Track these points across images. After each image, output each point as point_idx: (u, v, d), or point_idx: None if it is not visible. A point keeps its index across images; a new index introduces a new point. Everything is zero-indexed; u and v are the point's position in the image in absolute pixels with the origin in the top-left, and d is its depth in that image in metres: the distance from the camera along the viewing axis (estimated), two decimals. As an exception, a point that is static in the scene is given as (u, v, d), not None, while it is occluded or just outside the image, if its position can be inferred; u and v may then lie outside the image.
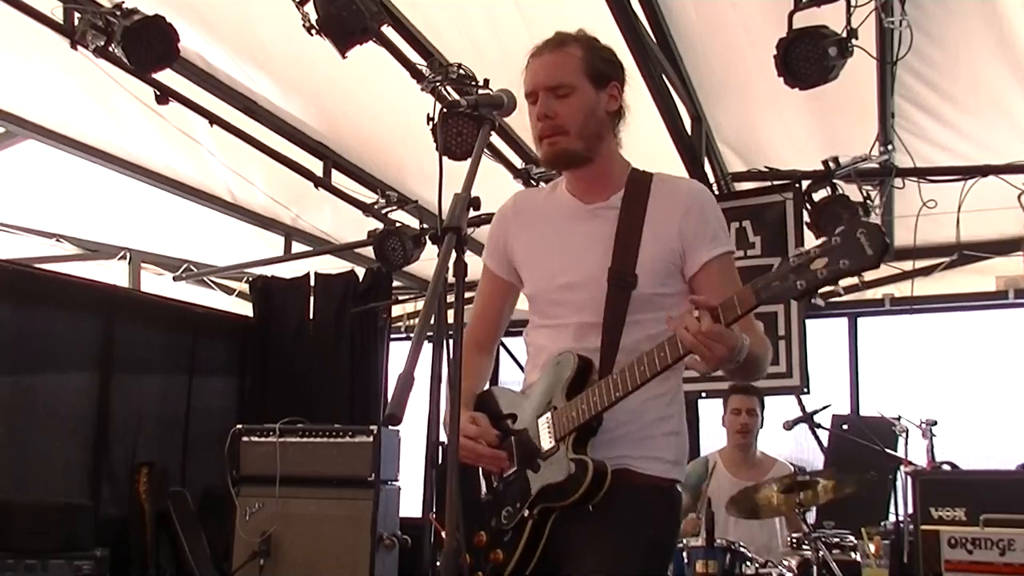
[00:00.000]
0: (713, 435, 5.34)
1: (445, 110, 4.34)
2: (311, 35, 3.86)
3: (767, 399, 5.04)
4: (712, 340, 1.91)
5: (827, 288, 1.84)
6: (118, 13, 3.98)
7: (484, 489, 2.28)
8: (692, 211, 2.21)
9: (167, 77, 4.50)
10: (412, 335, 1.68)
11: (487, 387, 2.40)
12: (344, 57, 3.90)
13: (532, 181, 5.29)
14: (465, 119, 4.30)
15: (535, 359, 2.33)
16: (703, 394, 4.94)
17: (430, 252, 5.99)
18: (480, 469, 2.29)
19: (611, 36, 4.01)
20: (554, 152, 2.22)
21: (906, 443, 4.40)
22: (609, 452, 2.14)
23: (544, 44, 2.27)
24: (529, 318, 2.40)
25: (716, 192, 5.34)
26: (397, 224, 5.97)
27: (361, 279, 6.89)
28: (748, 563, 3.95)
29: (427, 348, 1.76)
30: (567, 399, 2.15)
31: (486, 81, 4.20)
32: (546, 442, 2.17)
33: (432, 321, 1.73)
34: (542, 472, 2.16)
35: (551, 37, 2.28)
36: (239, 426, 5.68)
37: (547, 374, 2.24)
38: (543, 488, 2.14)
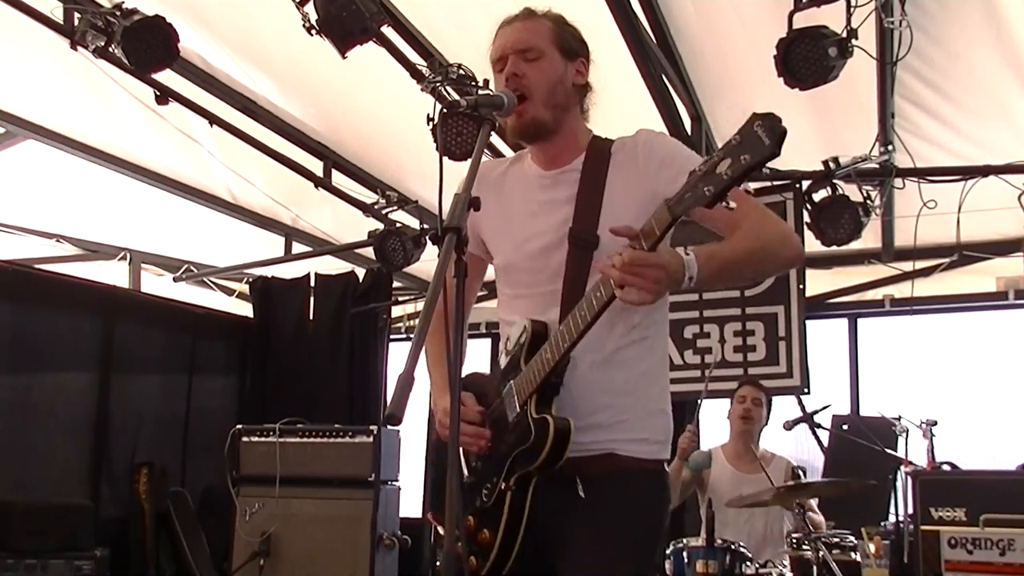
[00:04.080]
0: (713, 436, 5.33)
1: (445, 110, 4.34)
2: (311, 35, 3.86)
3: (768, 399, 5.04)
4: (638, 266, 1.84)
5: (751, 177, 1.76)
6: (118, 13, 3.98)
7: (466, 472, 2.23)
8: (654, 155, 2.17)
9: (167, 77, 4.50)
10: (412, 335, 1.68)
11: (470, 373, 2.36)
12: (344, 57, 3.89)
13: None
14: (465, 119, 4.31)
15: (504, 331, 2.31)
16: (704, 395, 4.92)
17: (430, 252, 5.99)
18: (461, 453, 2.25)
19: (611, 36, 4.01)
20: (523, 122, 2.20)
21: (906, 443, 4.40)
22: (596, 436, 2.11)
23: (514, 15, 2.29)
24: (498, 290, 2.38)
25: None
26: (397, 224, 5.97)
27: (361, 279, 6.89)
28: (748, 563, 3.95)
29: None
30: (526, 364, 2.13)
31: (486, 81, 4.19)
32: (512, 411, 2.13)
33: (432, 321, 1.72)
34: (511, 440, 2.11)
35: (521, 10, 2.29)
36: (239, 426, 5.68)
37: (511, 347, 2.22)
38: (514, 456, 2.10)
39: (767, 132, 1.74)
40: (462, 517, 2.16)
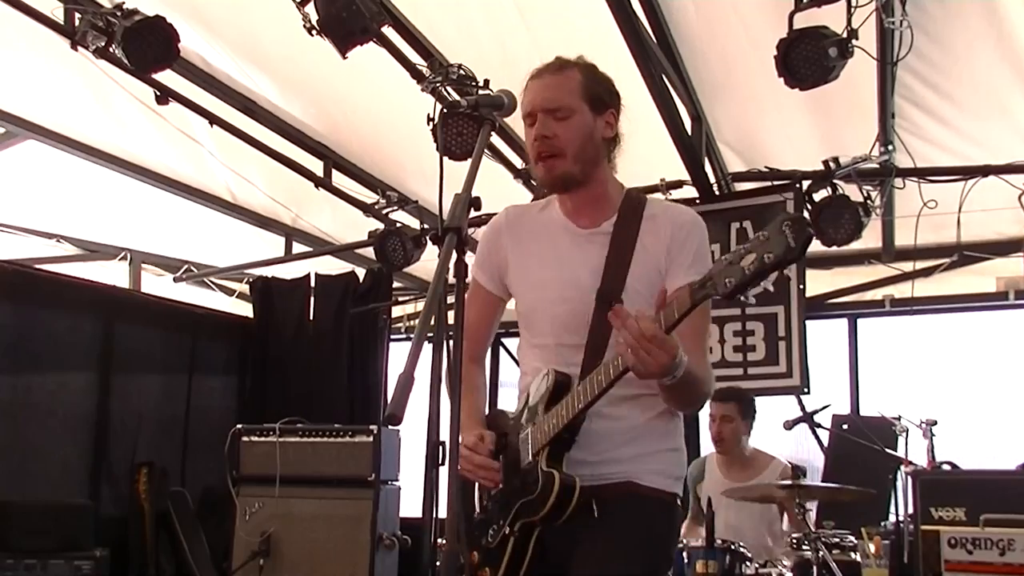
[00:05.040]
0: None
1: (445, 110, 4.34)
2: (311, 35, 3.86)
3: (767, 399, 5.03)
4: (651, 344, 1.89)
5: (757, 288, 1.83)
6: (118, 13, 3.98)
7: (477, 508, 2.32)
8: (677, 236, 2.23)
9: (167, 77, 4.50)
10: (412, 336, 1.68)
11: (496, 409, 2.43)
12: (344, 57, 3.90)
13: (532, 182, 5.29)
14: (465, 119, 4.31)
15: (524, 378, 2.37)
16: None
17: (431, 252, 5.99)
18: (476, 487, 2.33)
19: (612, 36, 4.02)
20: (552, 176, 2.24)
21: (906, 443, 4.40)
22: (614, 468, 2.18)
23: (544, 67, 2.28)
24: (520, 338, 2.43)
25: (716, 192, 5.34)
26: (397, 224, 5.97)
27: (361, 279, 6.89)
28: (748, 563, 3.96)
29: (427, 348, 1.76)
30: (545, 413, 2.18)
31: (486, 81, 4.20)
32: (524, 458, 2.20)
33: (432, 322, 1.73)
34: (519, 487, 2.19)
35: (551, 61, 2.29)
36: (239, 426, 5.67)
37: (532, 393, 2.27)
38: (520, 504, 2.17)
39: (794, 234, 1.76)
40: (469, 549, 2.26)
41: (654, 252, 2.23)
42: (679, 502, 2.29)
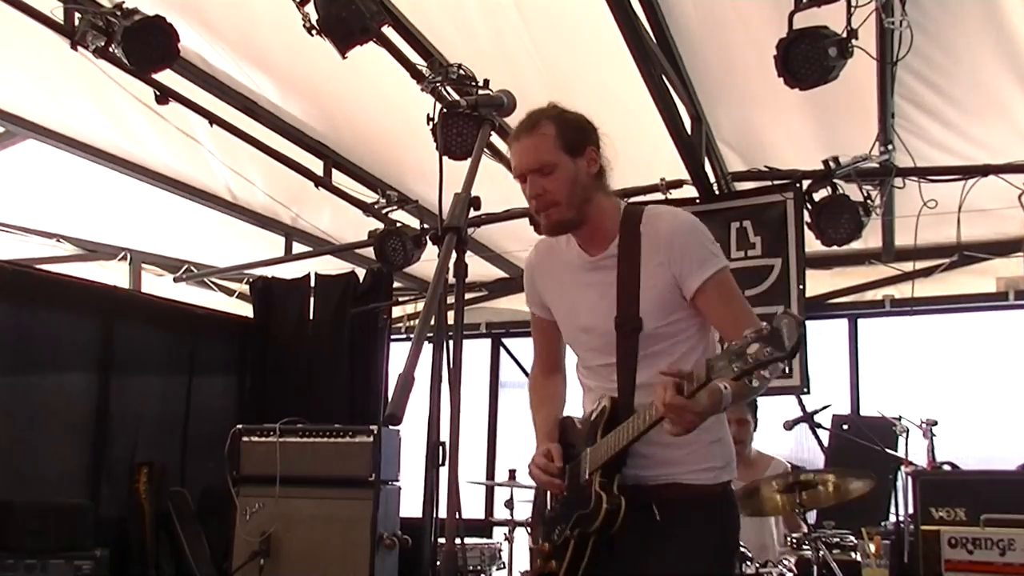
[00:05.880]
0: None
1: (445, 110, 4.34)
2: (311, 35, 3.86)
3: (767, 399, 5.03)
4: (675, 412, 2.13)
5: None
6: (118, 13, 3.98)
7: (549, 506, 2.60)
8: (675, 244, 2.39)
9: (167, 77, 4.50)
10: (412, 336, 1.69)
11: (568, 416, 2.67)
12: (344, 57, 3.89)
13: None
14: (465, 119, 4.30)
15: (584, 395, 2.62)
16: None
17: (430, 252, 5.99)
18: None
19: (611, 35, 4.01)
20: (551, 224, 2.45)
21: (906, 443, 4.40)
22: (661, 470, 2.39)
23: (518, 128, 2.44)
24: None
25: (716, 192, 5.34)
26: (397, 224, 5.97)
27: (361, 280, 6.89)
28: (748, 563, 3.96)
29: (427, 348, 1.76)
30: (602, 437, 2.42)
31: (486, 81, 4.20)
32: (583, 474, 2.44)
33: (432, 321, 1.73)
34: (578, 500, 2.42)
35: (523, 120, 2.44)
36: (239, 426, 5.67)
37: (593, 413, 2.49)
38: (577, 516, 2.41)
39: (788, 334, 1.94)
40: (542, 539, 2.57)
41: (660, 267, 2.39)
42: (731, 486, 2.49)
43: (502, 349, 7.67)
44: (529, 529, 1.84)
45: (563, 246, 2.57)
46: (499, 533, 5.85)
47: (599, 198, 2.46)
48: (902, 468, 4.30)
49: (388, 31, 4.10)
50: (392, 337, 7.04)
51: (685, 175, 5.16)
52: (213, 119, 4.94)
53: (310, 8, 3.83)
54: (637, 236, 2.42)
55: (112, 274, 6.78)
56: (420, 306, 6.48)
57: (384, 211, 5.88)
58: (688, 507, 2.37)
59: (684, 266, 2.37)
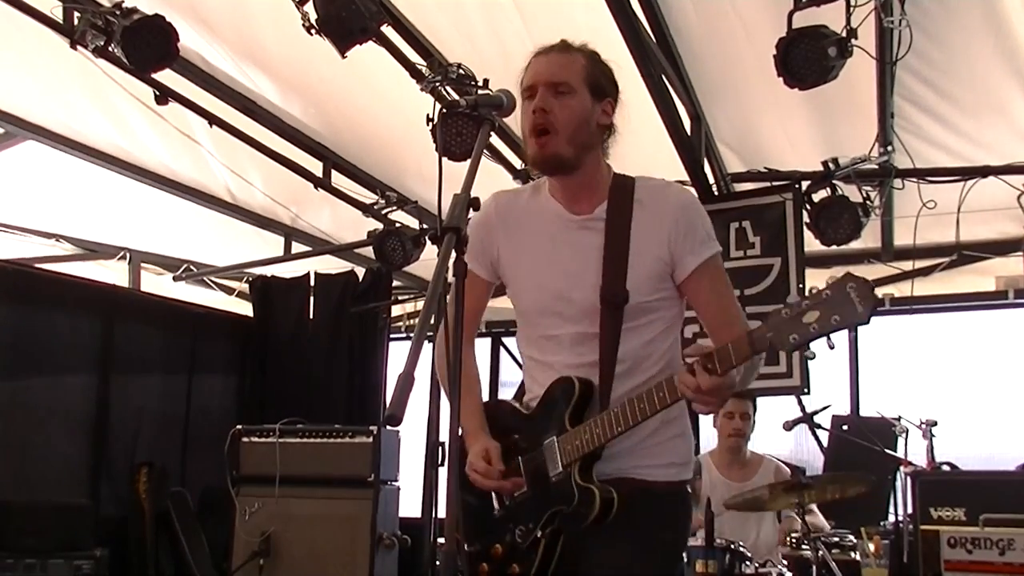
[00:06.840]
0: (712, 437, 5.33)
1: (445, 110, 4.34)
2: (311, 35, 3.86)
3: (767, 400, 5.03)
4: (713, 395, 1.97)
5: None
6: (118, 13, 3.98)
7: (496, 505, 2.34)
8: (680, 221, 2.24)
9: (167, 77, 4.50)
10: (412, 335, 1.68)
11: (494, 399, 2.43)
12: (344, 57, 3.90)
13: (532, 178, 5.28)
14: (465, 119, 4.30)
15: (534, 372, 2.37)
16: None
17: (430, 252, 5.99)
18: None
19: (611, 35, 4.01)
20: (544, 155, 2.23)
21: (906, 443, 4.41)
22: (619, 464, 2.21)
23: (550, 46, 2.30)
24: (519, 327, 2.43)
25: (716, 192, 5.34)
26: (397, 224, 5.97)
27: (361, 279, 6.89)
28: (748, 563, 3.95)
29: (427, 348, 1.76)
30: (571, 425, 2.21)
31: (486, 81, 4.20)
32: (553, 467, 2.22)
33: (432, 321, 1.73)
34: (552, 497, 2.22)
35: (557, 42, 2.31)
36: (239, 426, 5.68)
37: (552, 397, 2.28)
38: (553, 513, 2.21)
39: (861, 299, 1.80)
40: (490, 542, 2.31)
41: (652, 242, 2.23)
42: (688, 488, 2.33)
43: (502, 349, 7.67)
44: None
45: (530, 198, 2.38)
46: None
47: (598, 153, 2.31)
48: (901, 468, 4.31)
49: (387, 30, 4.11)
50: (392, 336, 7.05)
51: (684, 175, 5.16)
52: (212, 119, 4.94)
53: (309, 7, 3.83)
54: (629, 204, 2.26)
55: (112, 274, 6.78)
56: (419, 305, 6.47)
57: (383, 211, 5.88)
58: (641, 506, 2.18)
59: (685, 244, 2.22)
